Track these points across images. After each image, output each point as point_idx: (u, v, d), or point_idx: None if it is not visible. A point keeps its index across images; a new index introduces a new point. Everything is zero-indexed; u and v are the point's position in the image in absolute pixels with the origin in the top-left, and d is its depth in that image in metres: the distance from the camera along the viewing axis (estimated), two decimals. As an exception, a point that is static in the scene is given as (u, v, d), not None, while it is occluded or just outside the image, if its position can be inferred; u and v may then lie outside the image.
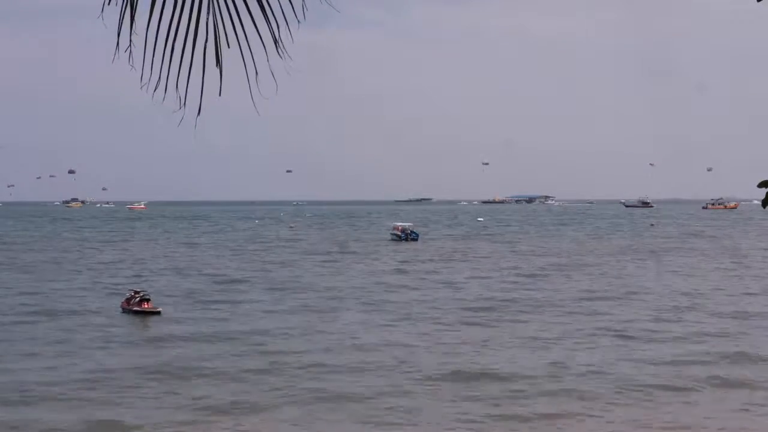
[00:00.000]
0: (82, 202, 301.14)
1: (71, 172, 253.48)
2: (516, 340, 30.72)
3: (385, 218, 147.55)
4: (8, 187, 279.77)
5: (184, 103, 3.89)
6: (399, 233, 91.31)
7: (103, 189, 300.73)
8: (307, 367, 25.87)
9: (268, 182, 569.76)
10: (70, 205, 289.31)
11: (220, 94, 3.95)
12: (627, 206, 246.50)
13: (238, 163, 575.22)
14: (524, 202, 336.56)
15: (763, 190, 5.33)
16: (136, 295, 36.75)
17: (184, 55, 3.90)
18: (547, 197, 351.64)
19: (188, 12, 3.92)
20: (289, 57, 3.87)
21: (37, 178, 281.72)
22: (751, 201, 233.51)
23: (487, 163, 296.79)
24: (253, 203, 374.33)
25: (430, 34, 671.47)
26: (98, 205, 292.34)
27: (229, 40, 3.90)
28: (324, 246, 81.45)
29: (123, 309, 36.84)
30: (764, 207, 6.14)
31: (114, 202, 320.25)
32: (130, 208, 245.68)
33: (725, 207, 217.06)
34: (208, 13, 3.93)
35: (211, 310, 37.79)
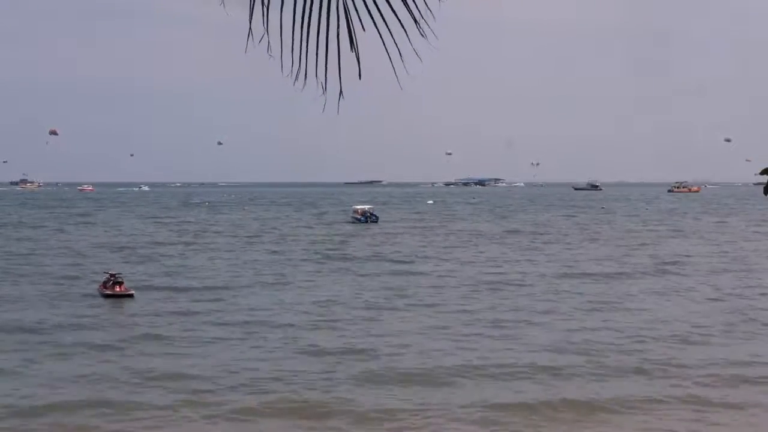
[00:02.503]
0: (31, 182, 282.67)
1: (53, 133, 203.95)
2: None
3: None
4: None
5: (325, 89, 3.90)
6: (359, 216, 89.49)
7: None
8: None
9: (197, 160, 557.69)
10: (25, 186, 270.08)
11: (360, 78, 3.95)
12: (576, 189, 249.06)
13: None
14: (473, 185, 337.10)
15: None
16: (111, 278, 35.92)
17: (320, 41, 3.91)
18: (497, 180, 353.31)
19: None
20: (435, 36, 3.85)
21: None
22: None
23: (450, 153, 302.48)
24: (203, 185, 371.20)
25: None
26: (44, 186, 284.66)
27: (363, 23, 3.90)
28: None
29: (100, 293, 35.93)
30: (765, 194, 6.32)
31: (62, 184, 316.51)
32: (80, 190, 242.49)
33: (689, 190, 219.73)
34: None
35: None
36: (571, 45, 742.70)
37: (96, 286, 37.32)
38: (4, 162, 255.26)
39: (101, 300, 34.99)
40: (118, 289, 35.30)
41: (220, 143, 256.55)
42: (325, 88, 3.88)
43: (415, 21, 3.84)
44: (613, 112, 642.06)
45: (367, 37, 3.94)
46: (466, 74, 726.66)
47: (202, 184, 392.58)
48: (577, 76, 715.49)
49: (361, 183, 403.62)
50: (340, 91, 3.92)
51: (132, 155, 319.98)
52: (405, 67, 3.88)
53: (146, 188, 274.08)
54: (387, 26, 3.88)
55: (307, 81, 3.88)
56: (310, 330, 29.07)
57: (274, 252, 57.44)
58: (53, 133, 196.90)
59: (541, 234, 74.07)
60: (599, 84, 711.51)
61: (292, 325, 29.89)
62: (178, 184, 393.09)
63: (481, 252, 57.47)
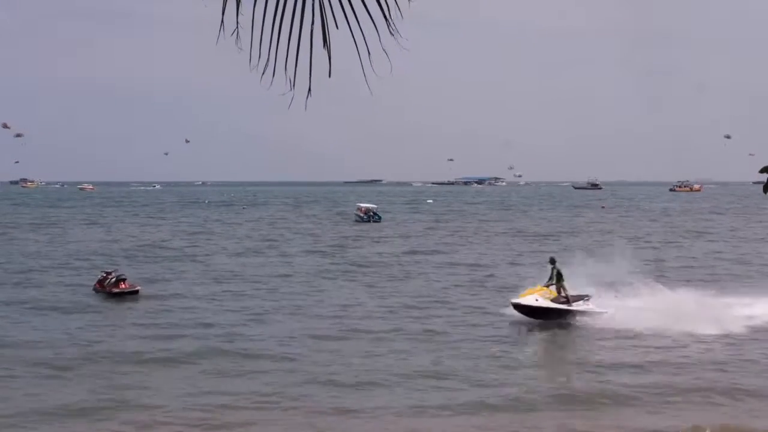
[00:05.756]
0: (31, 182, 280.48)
1: (18, 136, 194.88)
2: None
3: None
4: None
5: (293, 86, 3.83)
6: (362, 215, 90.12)
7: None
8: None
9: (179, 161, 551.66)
10: (26, 185, 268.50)
11: (329, 76, 3.88)
12: (576, 188, 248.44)
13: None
14: (474, 184, 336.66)
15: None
16: (110, 276, 35.05)
17: (291, 36, 3.83)
18: (496, 179, 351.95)
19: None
20: (401, 35, 3.79)
21: None
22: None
23: (452, 160, 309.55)
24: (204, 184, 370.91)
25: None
26: (56, 186, 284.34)
27: (337, 20, 3.84)
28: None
29: (96, 290, 35.22)
30: (765, 192, 6.24)
31: (64, 183, 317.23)
32: (81, 189, 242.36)
33: (690, 189, 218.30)
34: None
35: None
36: (570, 45, 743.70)
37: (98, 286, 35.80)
38: (16, 162, 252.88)
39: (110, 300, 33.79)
40: (123, 286, 34.30)
41: (187, 141, 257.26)
42: (293, 85, 3.83)
43: (386, 19, 3.81)
44: (612, 112, 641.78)
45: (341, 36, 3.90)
46: (464, 75, 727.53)
47: (204, 182, 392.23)
48: (577, 76, 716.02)
49: (360, 182, 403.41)
50: (309, 89, 3.87)
51: (166, 154, 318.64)
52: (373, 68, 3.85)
53: (159, 187, 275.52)
54: (360, 25, 3.85)
55: (275, 77, 3.82)
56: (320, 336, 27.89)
57: (277, 253, 57.10)
58: (5, 126, 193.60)
59: (546, 234, 73.38)
60: (599, 84, 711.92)
61: (302, 332, 28.58)
62: (198, 183, 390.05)
63: (481, 251, 57.33)
